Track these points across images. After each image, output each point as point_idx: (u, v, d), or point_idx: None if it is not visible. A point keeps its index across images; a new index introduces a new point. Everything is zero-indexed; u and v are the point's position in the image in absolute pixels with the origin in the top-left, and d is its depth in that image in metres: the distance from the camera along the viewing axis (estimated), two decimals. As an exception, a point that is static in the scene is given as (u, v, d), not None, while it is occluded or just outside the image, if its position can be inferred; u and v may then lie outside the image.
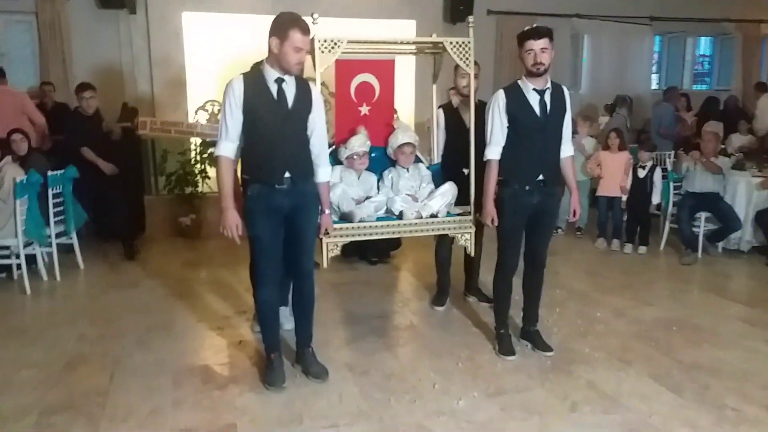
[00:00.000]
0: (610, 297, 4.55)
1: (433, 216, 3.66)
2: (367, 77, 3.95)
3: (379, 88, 3.97)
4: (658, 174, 5.82)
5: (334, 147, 3.82)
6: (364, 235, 3.56)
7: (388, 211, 3.72)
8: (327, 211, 3.22)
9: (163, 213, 6.72)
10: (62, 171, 5.17)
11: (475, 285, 4.41)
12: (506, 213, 3.34)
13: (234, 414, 2.85)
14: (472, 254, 3.86)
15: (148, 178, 7.13)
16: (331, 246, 3.50)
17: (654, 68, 11.30)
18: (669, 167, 5.91)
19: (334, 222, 3.42)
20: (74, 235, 5.34)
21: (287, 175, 2.92)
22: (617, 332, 3.87)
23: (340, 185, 3.64)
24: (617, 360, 3.43)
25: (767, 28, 11.14)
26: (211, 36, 7.80)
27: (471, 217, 3.72)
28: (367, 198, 3.74)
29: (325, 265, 3.53)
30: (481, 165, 3.40)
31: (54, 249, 5.03)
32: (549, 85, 3.23)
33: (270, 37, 2.79)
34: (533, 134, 3.22)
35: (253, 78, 2.86)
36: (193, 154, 6.77)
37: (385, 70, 3.97)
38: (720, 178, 5.66)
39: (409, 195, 3.73)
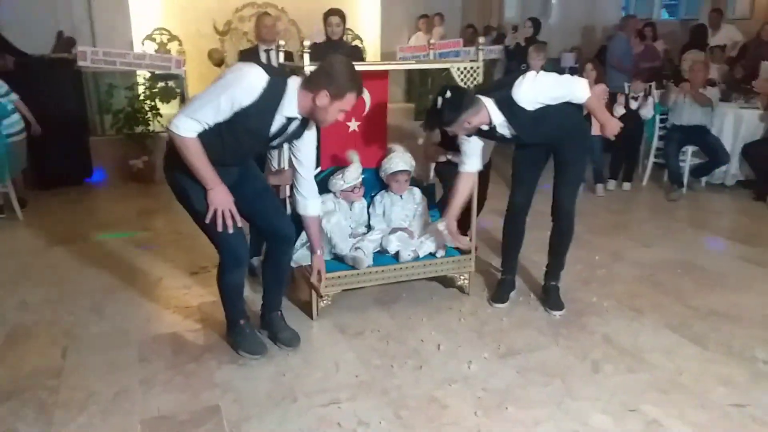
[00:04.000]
0: (603, 238, 4.30)
1: (431, 254, 3.25)
2: None
3: (369, 102, 3.45)
4: (650, 103, 5.51)
5: (319, 170, 3.31)
6: (360, 282, 3.09)
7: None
8: (318, 252, 2.81)
9: (112, 155, 6.06)
10: (-13, 111, 4.47)
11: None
12: (516, 148, 3.12)
13: (214, 393, 2.45)
14: (468, 293, 3.39)
15: (92, 117, 6.41)
16: (325, 298, 3.05)
17: (623, -4, 10.95)
18: (639, 102, 5.55)
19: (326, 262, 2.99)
20: (9, 184, 4.70)
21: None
22: (620, 277, 3.62)
23: (336, 214, 3.20)
24: (628, 309, 3.18)
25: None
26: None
27: (472, 257, 3.29)
28: (360, 231, 3.34)
29: (314, 316, 3.08)
30: None
31: (-15, 200, 4.39)
32: None
33: (319, 88, 2.31)
34: None
35: (270, 96, 2.30)
36: (141, 89, 6.08)
37: (377, 81, 3.43)
38: (708, 110, 5.40)
39: (403, 230, 3.28)
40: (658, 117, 5.68)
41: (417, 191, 3.44)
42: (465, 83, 3.07)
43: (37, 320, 3.10)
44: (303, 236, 3.14)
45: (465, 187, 3.02)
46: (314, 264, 2.82)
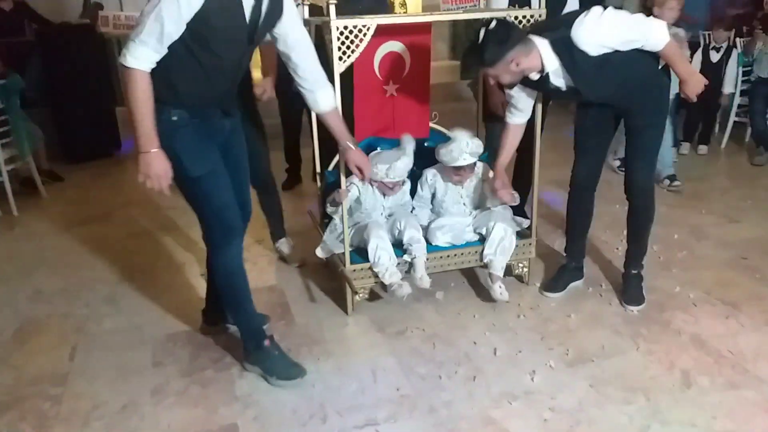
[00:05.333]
0: (680, 211, 3.76)
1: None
2: (396, 46, 2.90)
3: (410, 62, 2.94)
4: (733, 58, 4.82)
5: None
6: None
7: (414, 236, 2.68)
8: (350, 144, 2.31)
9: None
10: (3, 81, 4.19)
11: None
12: (578, 112, 2.63)
13: (234, 408, 2.11)
14: (527, 283, 2.92)
15: (119, 86, 6.11)
16: (360, 289, 2.62)
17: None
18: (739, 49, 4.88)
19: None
20: (31, 159, 4.45)
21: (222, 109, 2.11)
22: (706, 261, 3.10)
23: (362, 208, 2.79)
24: (720, 302, 2.68)
25: None
26: None
27: (532, 241, 2.83)
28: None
29: (350, 311, 2.67)
30: None
31: (5, 177, 4.15)
32: None
33: None
34: None
35: None
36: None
37: (418, 37, 2.91)
38: (803, 60, 4.69)
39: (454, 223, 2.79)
40: (741, 69, 4.98)
41: (479, 165, 2.85)
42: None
43: (50, 312, 2.83)
44: (335, 225, 2.73)
45: (514, 141, 2.61)
46: (351, 159, 2.31)
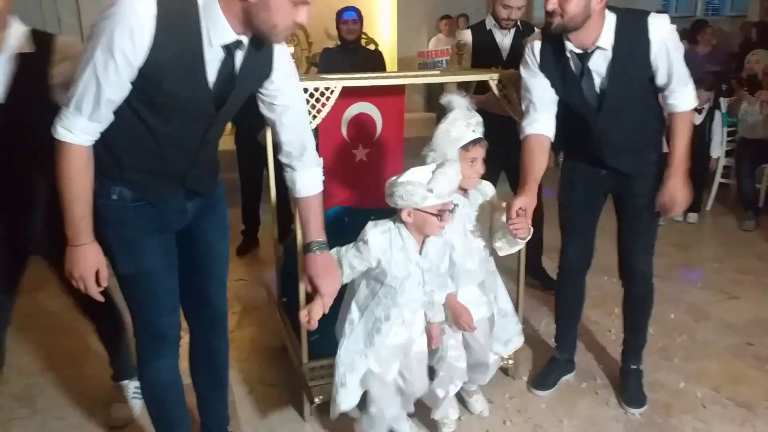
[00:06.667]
0: (673, 285, 3.46)
1: None
2: (366, 107, 2.66)
3: (382, 124, 2.70)
4: (717, 120, 4.65)
5: None
6: None
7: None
8: (317, 252, 1.72)
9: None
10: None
11: (538, 264, 3.36)
12: (563, 186, 2.30)
13: None
14: (514, 377, 2.52)
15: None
16: (319, 396, 2.15)
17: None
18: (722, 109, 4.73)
19: None
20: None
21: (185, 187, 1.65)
22: (710, 348, 2.78)
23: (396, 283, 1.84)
24: (732, 404, 2.35)
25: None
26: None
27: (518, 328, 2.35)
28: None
29: (307, 416, 2.27)
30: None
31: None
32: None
33: None
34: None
35: (177, 19, 1.38)
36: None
37: (391, 98, 2.68)
38: (788, 123, 4.53)
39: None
40: (725, 130, 4.81)
41: (489, 191, 2.14)
42: (508, 99, 2.27)
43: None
44: (349, 321, 1.94)
45: (536, 158, 2.04)
46: (309, 269, 1.71)
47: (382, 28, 7.82)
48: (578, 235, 2.33)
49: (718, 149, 4.73)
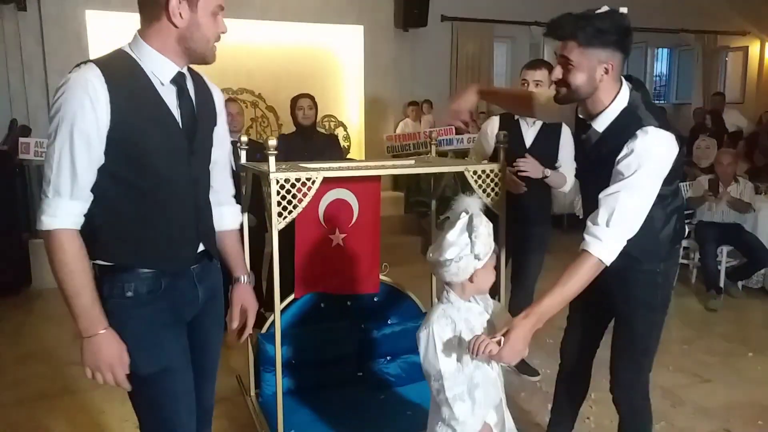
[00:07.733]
0: (647, 368, 3.47)
1: None
2: (343, 194, 2.75)
3: (358, 209, 2.78)
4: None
5: (292, 298, 2.66)
6: None
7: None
8: (243, 277, 1.85)
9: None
10: None
11: None
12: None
13: None
14: None
15: (34, 214, 5.62)
16: None
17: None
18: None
19: None
20: None
21: (201, 248, 1.65)
22: (689, 435, 2.78)
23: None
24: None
25: (725, 40, 10.76)
26: (122, 38, 6.32)
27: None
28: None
29: None
30: None
31: None
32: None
33: (157, 5, 1.46)
34: None
35: (124, 73, 1.46)
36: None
37: (367, 185, 2.79)
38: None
39: None
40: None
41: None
42: (487, 193, 2.34)
43: None
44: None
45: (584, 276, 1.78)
46: (236, 299, 1.82)
47: (351, 112, 8.05)
48: (576, 326, 2.29)
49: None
